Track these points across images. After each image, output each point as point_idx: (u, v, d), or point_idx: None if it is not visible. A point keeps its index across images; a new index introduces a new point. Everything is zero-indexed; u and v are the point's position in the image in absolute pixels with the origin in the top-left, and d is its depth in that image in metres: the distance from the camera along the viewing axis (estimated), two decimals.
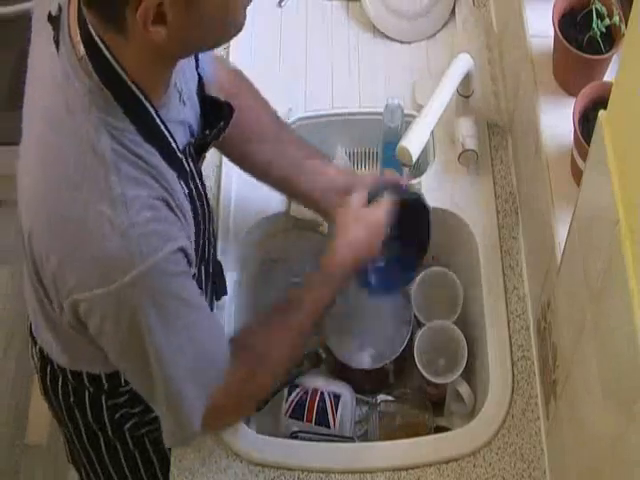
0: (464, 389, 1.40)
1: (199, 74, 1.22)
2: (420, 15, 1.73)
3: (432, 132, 1.36)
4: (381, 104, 1.56)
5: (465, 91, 1.49)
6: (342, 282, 1.33)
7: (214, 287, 1.37)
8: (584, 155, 1.12)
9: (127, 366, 1.15)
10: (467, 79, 1.44)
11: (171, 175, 1.09)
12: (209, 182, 1.58)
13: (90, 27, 1.01)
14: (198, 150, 1.18)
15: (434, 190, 1.52)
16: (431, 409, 1.46)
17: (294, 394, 1.45)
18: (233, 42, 1.66)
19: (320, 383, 1.47)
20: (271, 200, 1.53)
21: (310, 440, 1.39)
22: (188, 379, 1.12)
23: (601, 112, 0.95)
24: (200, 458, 1.33)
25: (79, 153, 1.02)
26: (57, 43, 1.05)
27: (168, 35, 0.98)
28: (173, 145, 1.10)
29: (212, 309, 1.40)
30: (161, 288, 1.04)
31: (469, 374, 1.44)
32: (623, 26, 1.23)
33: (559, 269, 1.18)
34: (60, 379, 1.37)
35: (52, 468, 2.28)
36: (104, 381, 1.32)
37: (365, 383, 1.51)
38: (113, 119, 1.02)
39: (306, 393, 1.45)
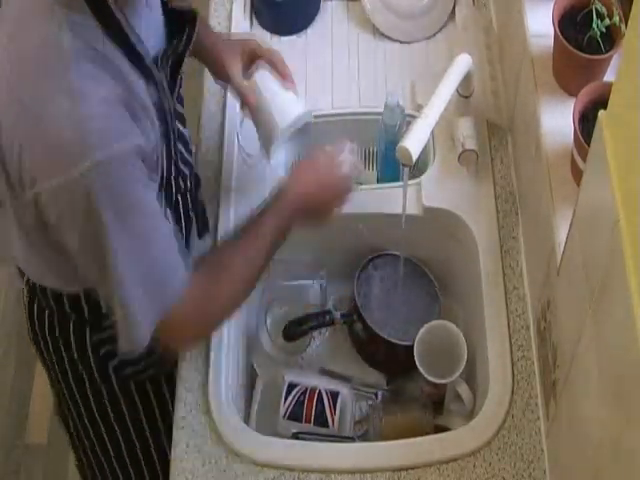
0: (463, 389, 1.40)
1: None
2: (420, 15, 1.73)
3: (432, 132, 1.36)
4: (381, 104, 1.56)
5: (465, 91, 1.49)
6: (289, 220, 1.31)
7: (196, 225, 1.39)
8: (584, 155, 1.12)
9: (86, 263, 1.14)
10: (467, 79, 1.44)
11: (136, 79, 1.11)
12: (208, 174, 1.58)
13: None
14: (173, 66, 1.20)
15: (434, 190, 1.52)
16: (431, 409, 1.46)
17: (292, 395, 1.45)
18: None
19: (318, 382, 1.47)
20: None
21: (310, 440, 1.39)
22: (140, 286, 1.13)
23: (601, 112, 0.95)
24: (200, 458, 1.33)
25: (41, 50, 1.06)
26: None
27: None
28: (139, 49, 1.12)
29: (189, 245, 1.42)
30: (114, 185, 1.06)
31: (469, 374, 1.44)
32: (623, 26, 1.23)
33: (559, 269, 1.18)
34: (46, 313, 1.38)
35: (52, 468, 2.28)
36: (86, 312, 1.34)
37: (384, 358, 1.52)
38: (78, 15, 1.05)
39: (304, 393, 1.45)
